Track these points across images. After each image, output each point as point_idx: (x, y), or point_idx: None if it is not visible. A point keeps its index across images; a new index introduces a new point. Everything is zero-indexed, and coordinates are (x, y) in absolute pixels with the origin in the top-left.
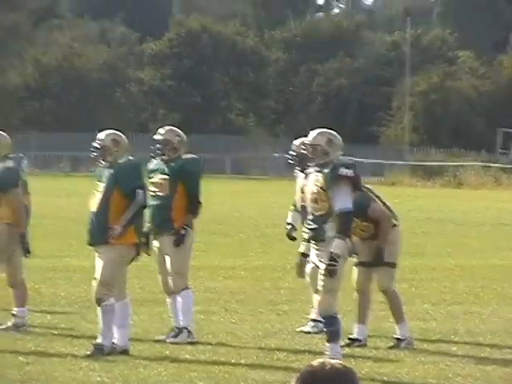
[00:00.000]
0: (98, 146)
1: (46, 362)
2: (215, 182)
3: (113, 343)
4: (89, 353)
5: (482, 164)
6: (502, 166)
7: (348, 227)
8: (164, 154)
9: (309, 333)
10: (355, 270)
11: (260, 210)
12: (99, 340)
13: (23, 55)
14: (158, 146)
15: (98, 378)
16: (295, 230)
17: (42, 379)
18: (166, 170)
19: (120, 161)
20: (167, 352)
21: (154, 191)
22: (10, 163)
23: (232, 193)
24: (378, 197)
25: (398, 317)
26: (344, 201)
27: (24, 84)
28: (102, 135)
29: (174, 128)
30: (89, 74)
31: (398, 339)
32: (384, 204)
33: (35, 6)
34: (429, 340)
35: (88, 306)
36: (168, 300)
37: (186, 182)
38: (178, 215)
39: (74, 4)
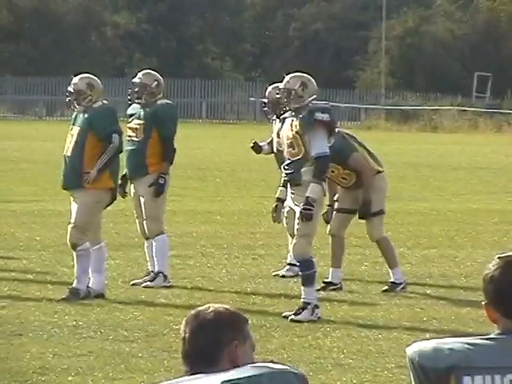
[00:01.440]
0: (72, 90)
1: (21, 306)
2: (191, 127)
3: (88, 287)
4: (64, 296)
5: (458, 108)
6: (477, 109)
7: (324, 171)
8: (141, 98)
9: (284, 277)
10: (333, 214)
11: (236, 154)
12: (74, 284)
13: None
14: (136, 89)
15: (74, 322)
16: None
17: (16, 323)
18: (140, 114)
19: (95, 105)
20: (143, 296)
21: (129, 136)
22: None
23: (208, 138)
24: (361, 145)
25: (392, 262)
26: (320, 145)
27: None
28: (76, 79)
29: (152, 72)
30: (64, 17)
31: (393, 283)
32: (368, 152)
33: None
34: (404, 282)
35: (63, 250)
36: (146, 244)
37: (160, 128)
38: (152, 160)
39: None
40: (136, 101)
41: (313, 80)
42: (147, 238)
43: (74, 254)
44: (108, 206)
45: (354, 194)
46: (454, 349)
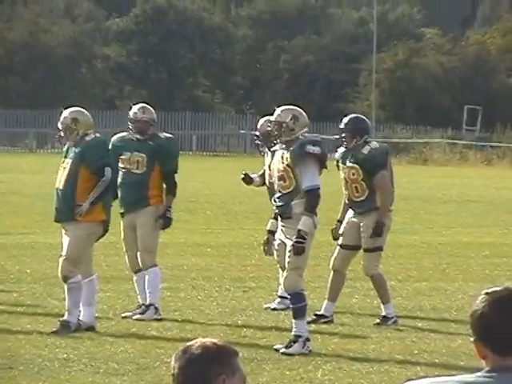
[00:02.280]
0: (60, 127)
1: (11, 339)
2: (181, 159)
3: (79, 320)
4: (55, 329)
5: (448, 141)
6: (467, 142)
7: (315, 205)
8: (142, 133)
9: (275, 309)
10: (337, 250)
11: (226, 187)
12: (65, 317)
13: None
14: (138, 125)
15: (65, 355)
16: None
17: (7, 356)
18: (142, 147)
19: (87, 138)
20: (134, 329)
21: (127, 168)
22: None
23: (198, 170)
24: (391, 173)
25: (385, 297)
26: (311, 178)
27: None
28: (63, 115)
29: (147, 106)
30: (54, 50)
31: (384, 317)
32: (391, 183)
33: None
34: (395, 316)
35: (54, 282)
36: (134, 277)
37: (163, 162)
38: (154, 192)
39: None
40: (141, 137)
41: (304, 113)
42: (136, 272)
43: (65, 286)
44: (100, 238)
45: (358, 229)
46: None
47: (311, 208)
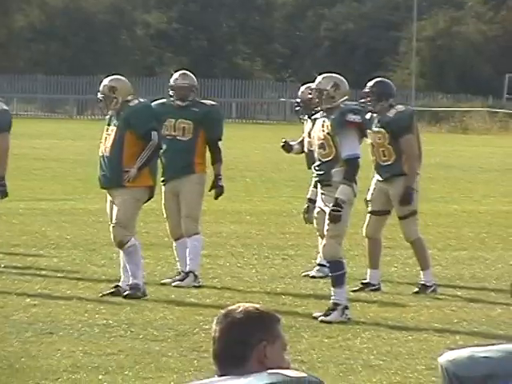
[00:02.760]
0: (100, 97)
1: (52, 305)
2: None
3: (118, 286)
4: (126, 293)
5: (489, 109)
6: (508, 111)
7: (354, 173)
8: (183, 99)
9: (314, 277)
10: (368, 217)
11: (265, 154)
12: (131, 280)
13: None
14: (179, 91)
15: (104, 321)
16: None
17: (47, 321)
18: (188, 114)
19: (131, 103)
20: (173, 295)
21: (172, 135)
22: (2, 105)
23: (238, 137)
24: (418, 137)
25: (424, 264)
26: (351, 147)
27: (30, 26)
28: (102, 84)
29: (188, 72)
30: (95, 16)
31: (423, 285)
32: (419, 147)
33: None
34: (434, 285)
35: (93, 249)
36: (174, 244)
37: (209, 129)
38: (198, 160)
39: None
40: (182, 103)
41: (345, 81)
42: (176, 239)
43: (122, 252)
44: (144, 203)
45: (386, 193)
46: (490, 357)
47: (350, 176)
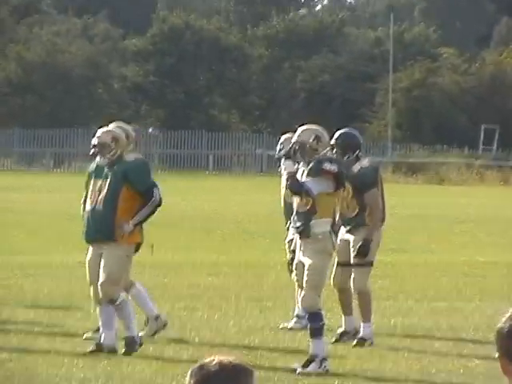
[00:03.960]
0: (96, 143)
1: (29, 359)
2: (198, 179)
3: (98, 343)
4: (124, 350)
5: (465, 161)
6: (484, 162)
7: (298, 186)
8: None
9: (292, 329)
10: (334, 267)
11: (242, 206)
12: (127, 334)
13: (6, 51)
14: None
15: (82, 375)
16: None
17: (25, 376)
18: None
19: (127, 158)
20: (150, 349)
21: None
22: None
23: (215, 189)
24: (382, 190)
25: (366, 316)
26: (317, 187)
27: (6, 80)
28: (99, 132)
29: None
30: (72, 70)
31: (361, 338)
32: (382, 200)
33: (17, 1)
34: (412, 336)
35: (70, 302)
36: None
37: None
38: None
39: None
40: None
41: (325, 132)
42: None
43: (112, 307)
44: None
45: (351, 243)
46: None
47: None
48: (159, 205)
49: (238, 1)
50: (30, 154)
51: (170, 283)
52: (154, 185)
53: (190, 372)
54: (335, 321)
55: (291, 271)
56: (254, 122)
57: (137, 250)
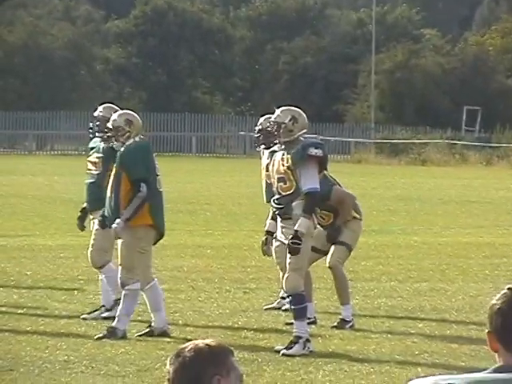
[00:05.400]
0: (111, 127)
1: (12, 341)
2: (181, 161)
3: (151, 327)
4: (101, 335)
5: (447, 141)
6: (467, 143)
7: (314, 206)
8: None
9: (276, 309)
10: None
11: (226, 188)
12: (114, 323)
13: None
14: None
15: (65, 357)
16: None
17: (8, 358)
18: (101, 148)
19: (127, 143)
20: (134, 330)
21: (89, 169)
22: None
23: (198, 171)
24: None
25: (344, 297)
26: (312, 181)
27: None
28: (115, 115)
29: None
30: (54, 52)
31: (342, 320)
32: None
33: None
34: (395, 317)
35: (53, 285)
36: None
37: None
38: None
39: None
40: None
41: (303, 114)
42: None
43: (123, 292)
44: (156, 242)
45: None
46: None
47: (310, 209)
48: (146, 200)
49: None
50: (12, 137)
51: (154, 265)
52: (144, 177)
53: (168, 361)
54: (319, 302)
55: (264, 252)
56: (237, 103)
57: (160, 232)
